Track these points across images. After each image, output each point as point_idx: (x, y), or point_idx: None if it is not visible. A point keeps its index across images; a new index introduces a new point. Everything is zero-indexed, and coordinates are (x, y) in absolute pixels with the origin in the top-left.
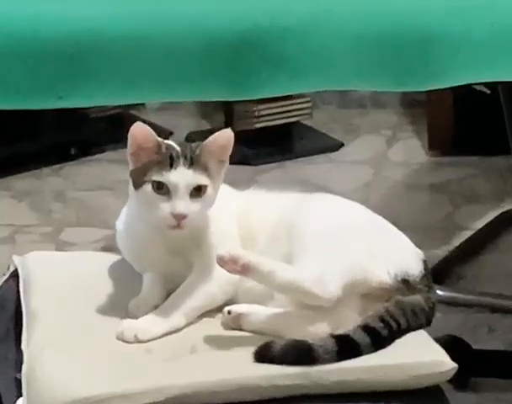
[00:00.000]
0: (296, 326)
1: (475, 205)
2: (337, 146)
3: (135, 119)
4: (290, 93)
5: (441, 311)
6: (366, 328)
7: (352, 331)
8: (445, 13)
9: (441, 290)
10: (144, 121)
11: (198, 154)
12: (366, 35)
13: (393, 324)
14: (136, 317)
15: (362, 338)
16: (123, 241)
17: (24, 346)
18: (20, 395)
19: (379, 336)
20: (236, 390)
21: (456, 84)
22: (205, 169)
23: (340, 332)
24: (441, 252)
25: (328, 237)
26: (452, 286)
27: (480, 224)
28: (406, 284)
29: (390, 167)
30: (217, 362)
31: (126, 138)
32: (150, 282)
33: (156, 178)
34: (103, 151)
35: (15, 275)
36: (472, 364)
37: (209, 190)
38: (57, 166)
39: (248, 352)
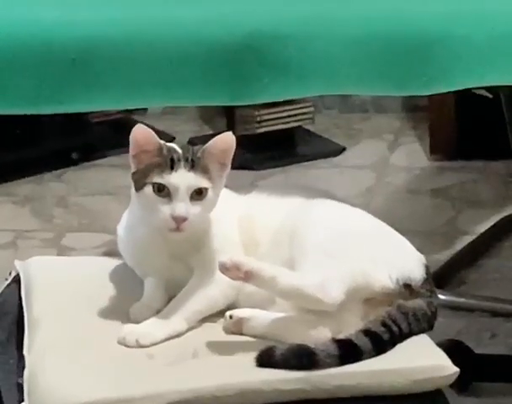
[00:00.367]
0: (298, 331)
1: (477, 210)
2: (339, 150)
3: (137, 124)
4: (291, 98)
5: (443, 316)
6: (368, 333)
7: (354, 335)
8: (446, 18)
9: (443, 295)
10: (146, 126)
11: (199, 157)
12: (367, 40)
13: (395, 328)
14: (138, 322)
15: (364, 343)
16: (124, 245)
17: (25, 351)
18: (22, 400)
19: (381, 340)
20: (237, 394)
21: (458, 88)
22: (206, 172)
23: (342, 336)
24: (443, 256)
25: (330, 242)
26: (454, 291)
27: (482, 228)
28: (408, 288)
29: (392, 171)
30: (219, 367)
31: (128, 143)
32: (151, 287)
33: (157, 180)
34: (105, 157)
35: (17, 280)
36: (474, 368)
37: (209, 193)
38: (59, 171)
39: (250, 356)
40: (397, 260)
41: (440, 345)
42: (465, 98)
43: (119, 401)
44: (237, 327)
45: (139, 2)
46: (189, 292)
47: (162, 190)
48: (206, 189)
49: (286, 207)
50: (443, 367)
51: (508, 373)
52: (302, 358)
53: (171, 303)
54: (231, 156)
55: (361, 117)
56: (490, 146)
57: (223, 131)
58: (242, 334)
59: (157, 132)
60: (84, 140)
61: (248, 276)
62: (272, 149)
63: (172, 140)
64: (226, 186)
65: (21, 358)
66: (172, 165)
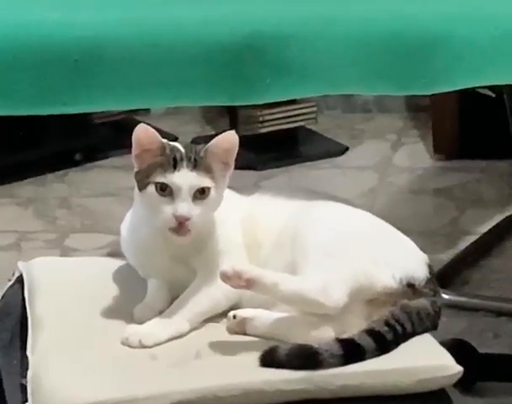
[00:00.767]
0: (301, 331)
1: (480, 210)
2: (341, 150)
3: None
4: (294, 98)
5: (447, 315)
6: (371, 332)
7: (357, 335)
8: (448, 17)
9: (447, 294)
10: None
11: (202, 156)
12: (369, 40)
13: (398, 328)
14: (142, 323)
15: (367, 342)
16: (127, 246)
17: (29, 352)
18: (26, 400)
19: (384, 340)
20: (241, 395)
21: (461, 88)
22: (208, 172)
23: (345, 336)
24: (446, 256)
25: (332, 244)
26: (458, 290)
27: (485, 228)
28: (411, 288)
29: (395, 171)
30: (222, 367)
31: (131, 144)
32: (155, 287)
33: (159, 179)
34: (107, 157)
35: (20, 281)
36: (478, 368)
37: (212, 193)
38: (62, 172)
39: (253, 356)
40: (400, 260)
41: (443, 344)
42: (467, 97)
43: (122, 402)
44: (240, 327)
45: (141, 4)
46: (191, 293)
47: (164, 190)
48: (209, 189)
49: (288, 209)
50: (447, 366)
51: (511, 372)
52: (306, 358)
53: (174, 304)
54: (234, 156)
55: (364, 117)
56: (493, 146)
57: (226, 131)
58: (245, 334)
59: (160, 133)
60: (87, 141)
61: (249, 284)
62: (275, 149)
63: (175, 140)
64: (229, 187)
65: (24, 358)
66: (174, 164)
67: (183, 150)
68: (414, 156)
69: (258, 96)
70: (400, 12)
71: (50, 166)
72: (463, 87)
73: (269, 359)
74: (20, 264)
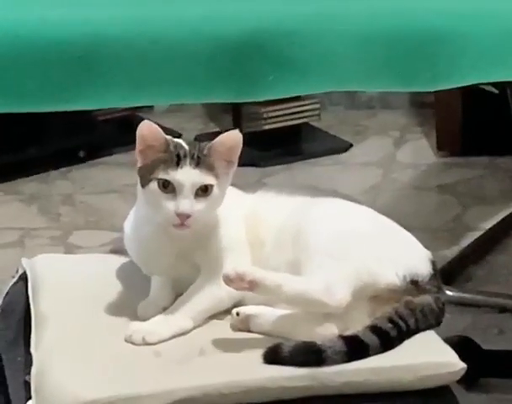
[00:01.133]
0: (305, 328)
1: (484, 206)
2: (345, 147)
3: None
4: (297, 95)
5: (450, 312)
6: (375, 329)
7: (361, 332)
8: (452, 14)
9: (451, 291)
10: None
11: (205, 154)
12: (373, 36)
13: (402, 325)
14: (145, 320)
15: (371, 339)
16: (131, 243)
17: (33, 348)
18: (29, 397)
19: (388, 337)
20: (244, 391)
21: (464, 84)
22: (211, 169)
23: (349, 333)
24: (450, 252)
25: (335, 243)
26: (462, 287)
27: (489, 224)
28: (415, 285)
29: (398, 168)
30: (226, 364)
31: (134, 141)
32: (158, 284)
33: (162, 176)
34: (111, 154)
35: (24, 278)
36: (482, 364)
37: (215, 190)
38: (65, 169)
39: (257, 353)
40: (403, 257)
41: (447, 341)
42: (471, 93)
43: (126, 399)
44: (244, 324)
45: (144, 0)
46: (195, 291)
47: (167, 186)
48: (212, 186)
49: (291, 206)
50: (450, 363)
51: None
52: (309, 354)
53: (177, 301)
54: (237, 154)
55: (367, 113)
56: (497, 142)
57: (229, 128)
58: (248, 331)
59: (163, 129)
60: (90, 138)
61: (252, 286)
62: (278, 146)
63: (178, 137)
64: (232, 184)
65: (28, 355)
66: (178, 161)
67: (186, 147)
68: (418, 152)
69: (262, 93)
70: (403, 8)
71: (54, 163)
72: (466, 84)
73: (273, 356)
74: (24, 261)
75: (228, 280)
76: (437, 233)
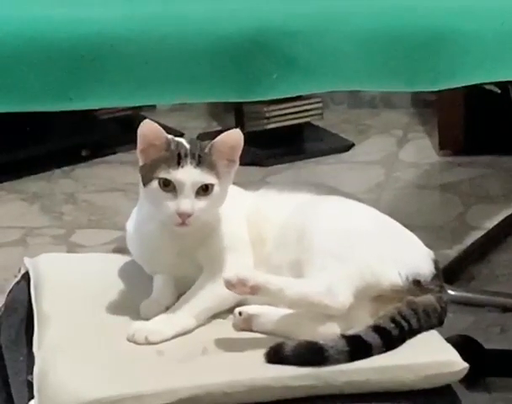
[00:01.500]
0: (307, 328)
1: (486, 205)
2: (348, 146)
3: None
4: (300, 94)
5: (453, 311)
6: (377, 329)
7: (363, 331)
8: (454, 13)
9: (453, 290)
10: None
11: (207, 153)
12: (376, 36)
13: (404, 324)
14: (148, 319)
15: (373, 339)
16: (133, 242)
17: (35, 348)
18: (32, 397)
19: (390, 336)
20: (247, 391)
21: (467, 84)
22: (212, 168)
23: (351, 332)
24: (453, 252)
25: (337, 244)
26: (464, 286)
27: (491, 224)
28: (417, 284)
29: (401, 167)
30: (229, 363)
31: (137, 139)
32: (161, 283)
33: (163, 175)
34: (114, 153)
35: (26, 277)
36: (484, 363)
37: (216, 189)
38: (68, 168)
39: (260, 353)
40: (405, 256)
41: (449, 340)
42: (473, 93)
43: (128, 398)
44: (246, 324)
45: (147, 0)
46: (198, 290)
47: (168, 185)
48: (212, 185)
49: (294, 205)
50: (452, 362)
51: None
52: (312, 354)
53: (180, 300)
54: (239, 153)
55: (370, 113)
56: (499, 141)
57: (232, 127)
58: (251, 331)
59: (166, 128)
60: (93, 136)
61: (254, 290)
62: (281, 145)
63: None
64: (235, 183)
65: (31, 355)
66: (179, 160)
67: (188, 146)
68: (420, 151)
69: (265, 92)
70: (405, 8)
71: (57, 161)
72: (469, 84)
73: (276, 356)
74: (26, 260)
75: (230, 285)
76: (439, 232)
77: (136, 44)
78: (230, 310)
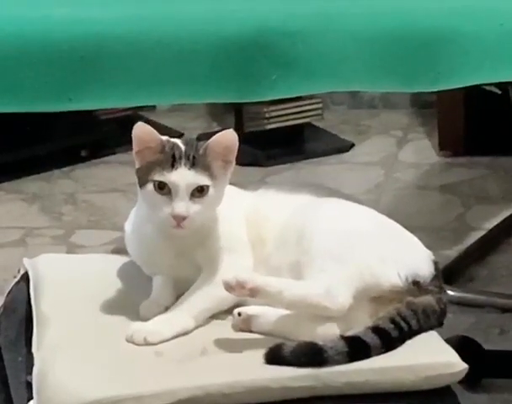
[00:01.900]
0: (306, 328)
1: (486, 206)
2: (347, 146)
3: (145, 121)
4: (300, 95)
5: (452, 312)
6: (376, 330)
7: (362, 332)
8: (454, 14)
9: (453, 291)
10: (154, 123)
11: (201, 154)
12: (376, 36)
13: (404, 325)
14: (148, 320)
15: (372, 340)
16: (131, 243)
17: (34, 349)
18: (31, 397)
19: (389, 337)
20: (246, 392)
21: (466, 85)
22: (207, 169)
23: (350, 333)
24: (453, 252)
25: (336, 245)
26: (464, 287)
27: (491, 224)
28: (417, 285)
29: (401, 167)
30: (228, 364)
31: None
32: (160, 284)
33: (157, 177)
34: (113, 153)
35: (26, 278)
36: (484, 364)
37: (211, 191)
38: (68, 168)
39: (259, 354)
40: (405, 257)
41: (449, 341)
42: (473, 94)
43: (127, 399)
44: (245, 325)
45: (147, 0)
46: (196, 290)
47: (163, 188)
48: (208, 187)
49: (294, 205)
50: (452, 364)
51: None
52: (311, 355)
53: (178, 301)
54: (234, 153)
55: (370, 113)
56: (499, 142)
57: (229, 128)
58: (250, 331)
59: (166, 129)
60: (93, 137)
61: (253, 292)
62: (281, 145)
63: (180, 136)
64: (234, 183)
65: (30, 355)
66: (173, 162)
67: (183, 147)
68: (420, 152)
69: (265, 92)
70: (406, 8)
71: (56, 162)
72: (469, 84)
73: (275, 356)
74: (26, 261)
75: (229, 288)
76: (439, 233)
77: (135, 44)
78: (229, 311)
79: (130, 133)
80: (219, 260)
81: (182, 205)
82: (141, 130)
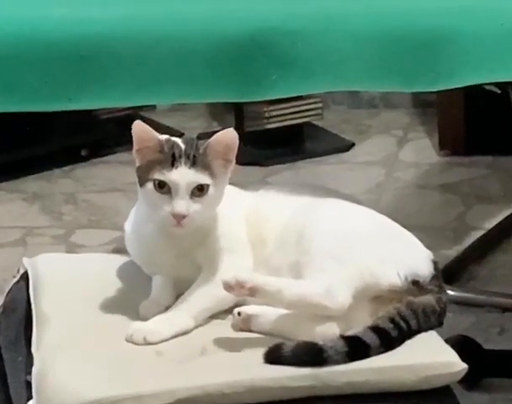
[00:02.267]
0: (306, 328)
1: (486, 205)
2: (348, 146)
3: (145, 120)
4: (300, 94)
5: (452, 312)
6: (376, 329)
7: (362, 332)
8: (454, 14)
9: (453, 291)
10: (154, 122)
11: (201, 153)
12: (376, 36)
13: (403, 325)
14: (147, 319)
15: (372, 339)
16: (131, 242)
17: (34, 348)
18: (30, 397)
19: (389, 337)
20: (246, 391)
21: (466, 84)
22: (207, 168)
23: (350, 333)
24: (453, 252)
25: (336, 245)
26: (464, 286)
27: (491, 224)
28: (416, 285)
29: (401, 167)
30: (227, 364)
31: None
32: (160, 284)
33: (157, 176)
34: (113, 153)
35: (25, 277)
36: (483, 364)
37: (211, 190)
38: (68, 168)
39: (258, 353)
40: (404, 257)
41: (449, 341)
42: (474, 93)
43: (127, 399)
44: (245, 324)
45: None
46: (196, 290)
47: (162, 187)
48: (208, 186)
49: (294, 206)
50: (451, 363)
51: None
52: (311, 354)
53: (178, 301)
54: (234, 152)
55: (370, 113)
56: (499, 142)
57: (229, 127)
58: (250, 331)
59: (166, 129)
60: (93, 136)
61: (253, 292)
62: (281, 145)
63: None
64: (234, 183)
65: (29, 355)
66: (173, 161)
67: (183, 146)
68: (421, 151)
69: (265, 92)
70: (405, 8)
71: (57, 161)
72: (469, 84)
73: (274, 356)
74: (25, 260)
75: (228, 287)
76: (440, 232)
77: (135, 44)
78: (229, 311)
79: (131, 133)
80: (219, 260)
81: (182, 204)
82: (139, 128)
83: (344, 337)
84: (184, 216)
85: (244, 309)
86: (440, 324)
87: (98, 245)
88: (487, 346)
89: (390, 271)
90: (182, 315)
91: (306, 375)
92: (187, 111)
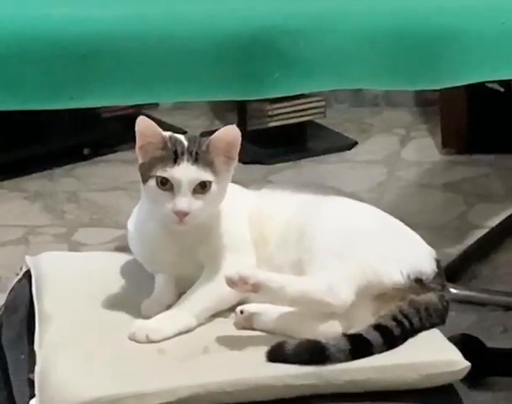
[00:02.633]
0: (309, 326)
1: (489, 204)
2: (350, 145)
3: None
4: (302, 92)
5: (455, 310)
6: (379, 327)
7: (364, 330)
8: (456, 12)
9: (455, 289)
10: (157, 121)
11: (204, 150)
12: (378, 34)
13: (406, 323)
14: (149, 318)
15: (374, 337)
16: (134, 241)
17: (36, 346)
18: (33, 395)
19: (391, 335)
20: (248, 390)
21: (469, 82)
22: (210, 165)
23: (353, 331)
24: (455, 250)
25: (339, 243)
26: (466, 285)
27: (494, 222)
28: (419, 283)
29: (403, 166)
30: (230, 362)
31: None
32: (162, 282)
33: (160, 173)
34: (115, 152)
35: (28, 276)
36: (486, 362)
37: (213, 187)
38: (70, 166)
39: (261, 352)
40: (407, 255)
41: (451, 339)
42: (476, 91)
43: (130, 397)
44: (247, 322)
45: None
46: (199, 288)
47: (165, 184)
48: (210, 183)
49: (295, 204)
50: (454, 362)
51: None
52: (313, 353)
53: (181, 299)
54: (237, 150)
55: (373, 111)
56: (502, 140)
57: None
58: (252, 329)
59: (169, 127)
60: (95, 135)
61: (256, 288)
62: (283, 143)
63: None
64: (237, 181)
65: (32, 353)
66: (175, 158)
67: (186, 143)
68: (423, 150)
69: (267, 91)
70: (408, 6)
71: (59, 160)
72: (471, 82)
73: (277, 354)
74: (28, 259)
75: (231, 283)
76: (442, 231)
77: (136, 43)
78: (231, 309)
79: (133, 131)
80: (221, 258)
81: (184, 201)
82: (143, 124)
83: (346, 336)
84: (186, 213)
85: (247, 307)
86: (443, 322)
87: (100, 243)
88: (489, 344)
89: (392, 269)
90: (184, 313)
91: (308, 373)
92: (190, 109)
